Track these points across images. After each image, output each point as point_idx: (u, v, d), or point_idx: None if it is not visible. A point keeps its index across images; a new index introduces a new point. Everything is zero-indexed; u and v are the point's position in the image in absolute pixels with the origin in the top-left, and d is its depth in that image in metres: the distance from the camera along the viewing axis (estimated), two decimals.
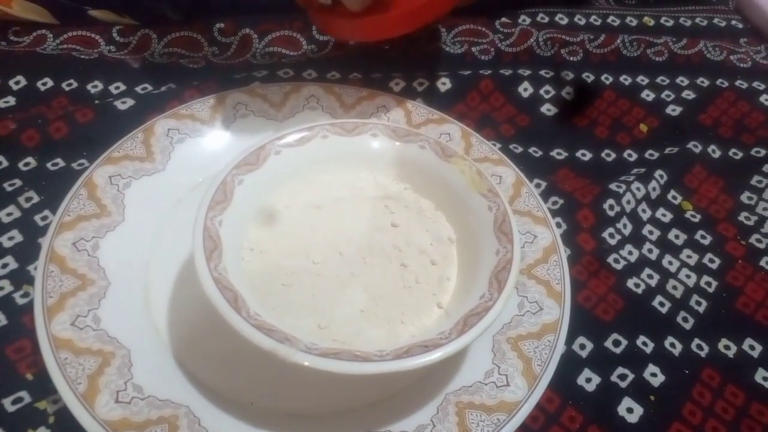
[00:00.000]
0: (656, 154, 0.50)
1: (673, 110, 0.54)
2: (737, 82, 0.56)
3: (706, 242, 0.46)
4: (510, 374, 0.35)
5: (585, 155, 0.50)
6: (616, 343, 0.39)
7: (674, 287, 0.43)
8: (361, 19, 0.41)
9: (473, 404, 0.34)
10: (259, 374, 0.34)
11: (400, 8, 0.41)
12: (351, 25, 0.42)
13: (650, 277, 0.43)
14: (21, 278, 0.38)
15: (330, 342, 0.32)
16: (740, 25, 0.63)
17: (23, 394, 0.34)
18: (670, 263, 0.44)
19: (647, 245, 0.45)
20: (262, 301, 0.33)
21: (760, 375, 0.39)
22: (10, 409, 0.33)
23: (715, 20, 0.63)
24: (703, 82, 0.56)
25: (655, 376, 0.38)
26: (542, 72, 0.54)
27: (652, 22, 0.62)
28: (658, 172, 0.48)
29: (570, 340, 0.39)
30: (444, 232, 0.39)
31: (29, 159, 0.43)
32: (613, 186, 0.47)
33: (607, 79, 0.55)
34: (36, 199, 0.41)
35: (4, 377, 0.34)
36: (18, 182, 0.42)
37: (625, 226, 0.45)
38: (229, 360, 0.35)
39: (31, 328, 0.34)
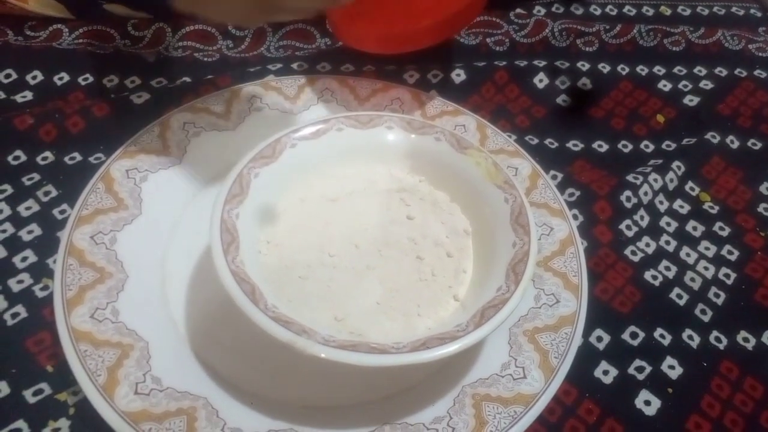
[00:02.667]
0: (674, 145, 0.50)
1: (691, 100, 0.53)
2: (756, 72, 0.55)
3: (724, 234, 0.45)
4: (527, 367, 0.35)
5: (601, 146, 0.49)
6: (634, 336, 0.39)
7: (692, 279, 0.42)
8: (386, 32, 0.41)
9: (490, 396, 0.34)
10: (276, 366, 0.35)
11: (423, 22, 0.41)
12: (375, 38, 0.42)
13: (668, 269, 0.43)
14: (40, 271, 0.38)
15: (346, 334, 0.32)
16: (759, 14, 0.62)
17: (44, 385, 0.34)
18: (688, 255, 0.44)
19: (665, 237, 0.44)
20: (279, 293, 0.33)
21: None
22: (31, 400, 0.34)
23: (733, 9, 0.62)
24: (721, 71, 0.55)
25: (673, 368, 0.38)
26: (558, 63, 0.53)
27: (668, 12, 0.61)
28: (675, 164, 0.48)
29: (587, 332, 0.39)
30: (460, 224, 0.39)
31: (47, 153, 0.43)
32: (630, 177, 0.46)
33: (623, 69, 0.54)
34: (54, 192, 0.41)
35: (25, 369, 0.35)
36: (36, 176, 0.42)
37: (642, 217, 0.45)
38: (247, 352, 0.35)
39: (51, 320, 0.34)
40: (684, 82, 0.54)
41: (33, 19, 0.50)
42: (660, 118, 0.52)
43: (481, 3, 0.43)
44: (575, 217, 0.44)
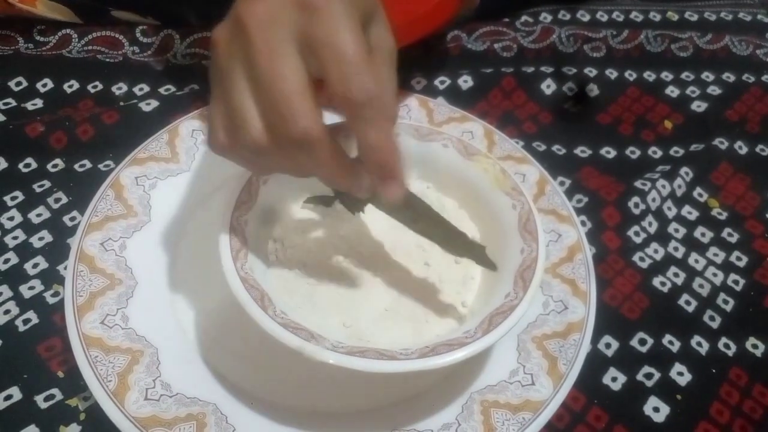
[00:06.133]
0: (681, 151, 0.50)
1: (699, 106, 0.53)
2: (764, 77, 0.55)
3: (732, 240, 0.45)
4: (535, 373, 0.35)
5: (609, 153, 0.49)
6: (642, 342, 0.39)
7: (701, 285, 0.42)
8: None
9: (498, 403, 0.34)
10: (285, 372, 0.35)
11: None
12: None
13: (676, 275, 0.43)
14: (51, 278, 0.39)
15: (355, 340, 0.32)
16: (766, 20, 0.62)
17: (55, 391, 0.35)
18: (697, 261, 0.44)
19: (673, 243, 0.44)
20: (288, 299, 0.34)
21: None
22: (43, 405, 0.34)
23: (741, 14, 0.62)
24: (729, 77, 0.55)
25: (681, 375, 0.38)
26: (565, 69, 0.53)
27: (676, 17, 0.61)
28: (683, 170, 0.48)
29: (595, 339, 0.39)
30: (468, 231, 0.39)
31: (57, 161, 0.43)
32: (638, 183, 0.46)
33: (630, 75, 0.54)
34: (65, 199, 0.42)
35: (37, 375, 0.35)
36: (47, 183, 0.42)
37: (650, 224, 0.45)
38: (256, 358, 0.35)
39: (62, 326, 0.34)
40: (692, 88, 0.54)
41: (41, 23, 0.50)
42: (668, 124, 0.52)
43: (451, 4, 0.43)
44: (583, 223, 0.44)
